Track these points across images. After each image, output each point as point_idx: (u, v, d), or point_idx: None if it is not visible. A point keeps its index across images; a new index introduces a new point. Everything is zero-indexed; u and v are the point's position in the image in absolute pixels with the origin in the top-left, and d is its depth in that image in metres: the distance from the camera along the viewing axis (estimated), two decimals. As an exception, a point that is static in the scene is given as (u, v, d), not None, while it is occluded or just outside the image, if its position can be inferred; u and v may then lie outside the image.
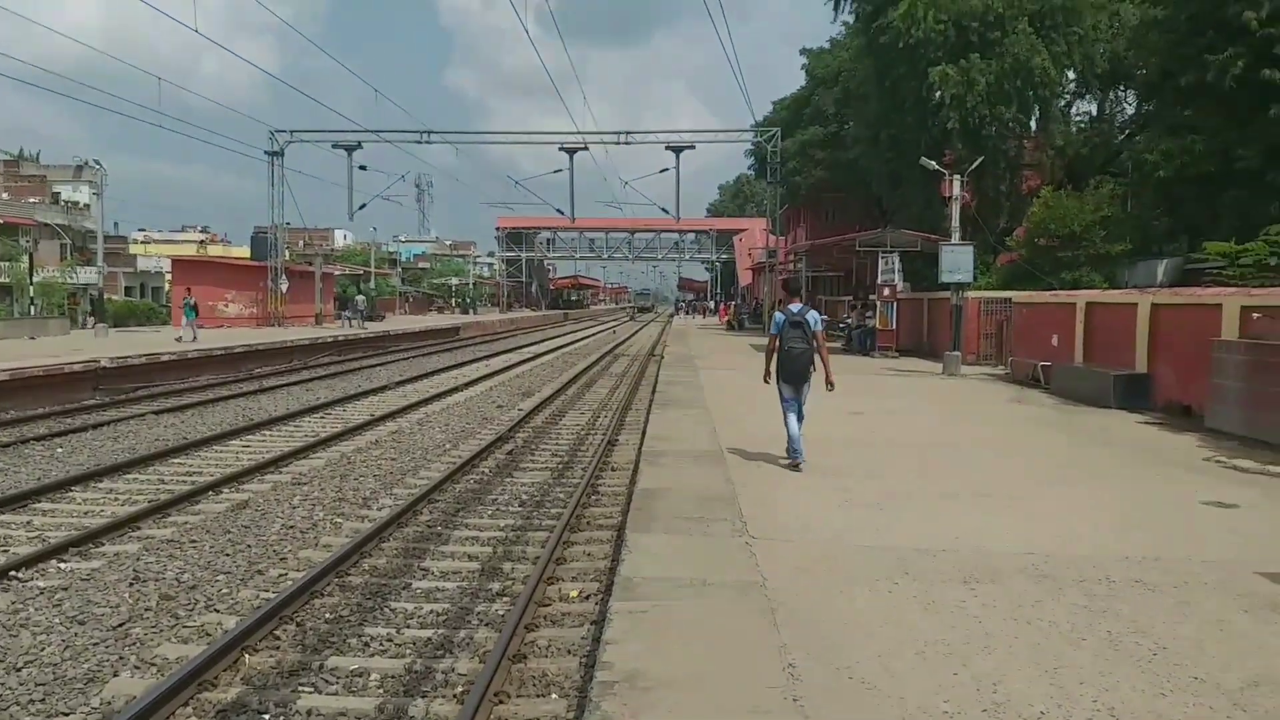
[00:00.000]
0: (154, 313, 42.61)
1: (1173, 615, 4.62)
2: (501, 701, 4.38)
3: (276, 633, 5.26)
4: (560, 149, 36.82)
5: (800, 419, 8.34)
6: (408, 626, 5.46)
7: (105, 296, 36.42)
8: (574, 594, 5.94)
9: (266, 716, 4.32)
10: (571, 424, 13.70)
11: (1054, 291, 19.36)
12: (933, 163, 21.06)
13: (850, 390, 14.35)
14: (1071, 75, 26.94)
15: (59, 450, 11.05)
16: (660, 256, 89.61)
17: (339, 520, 7.86)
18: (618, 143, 36.71)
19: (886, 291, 23.61)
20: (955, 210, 19.43)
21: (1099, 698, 3.65)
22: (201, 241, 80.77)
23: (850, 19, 31.06)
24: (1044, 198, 23.04)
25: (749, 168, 59.45)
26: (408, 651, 5.09)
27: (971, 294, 20.71)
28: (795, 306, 8.45)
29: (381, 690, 4.62)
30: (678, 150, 36.73)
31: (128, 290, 54.07)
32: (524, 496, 8.84)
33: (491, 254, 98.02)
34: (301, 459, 10.46)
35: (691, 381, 16.48)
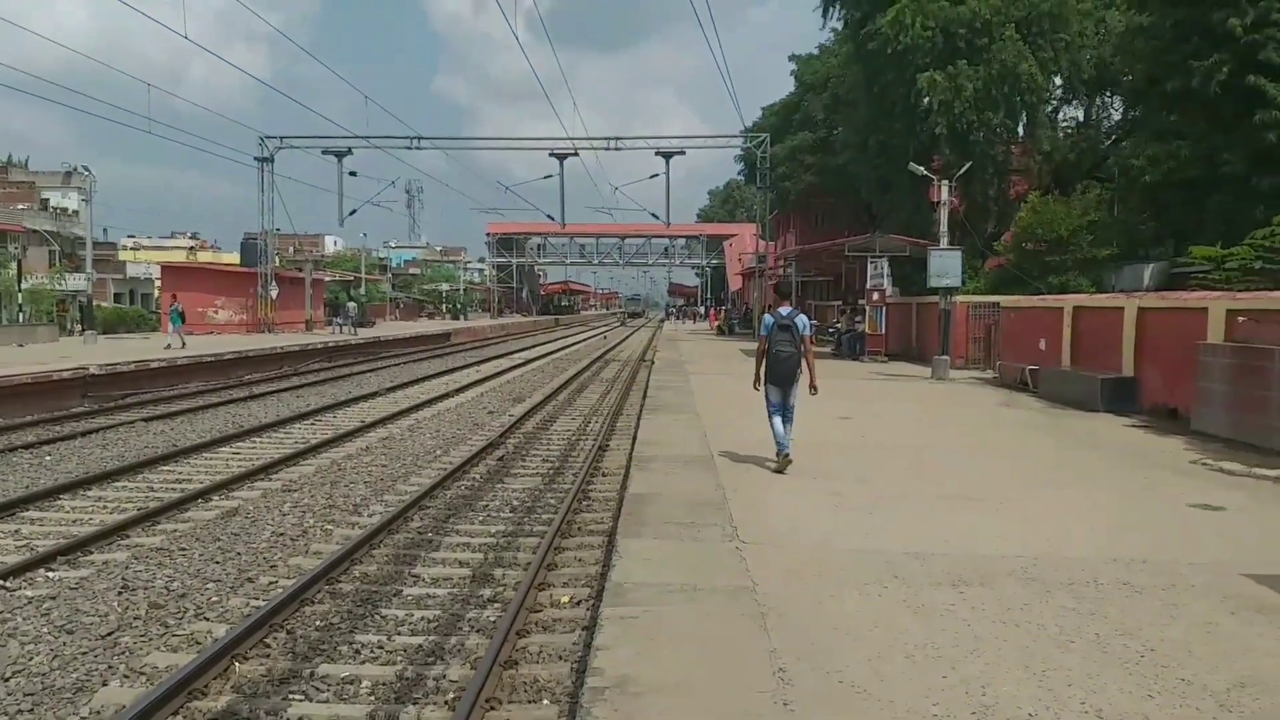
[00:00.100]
0: (144, 319, 42.41)
1: (1160, 617, 4.66)
2: (493, 708, 4.38)
3: (267, 640, 5.24)
4: (551, 154, 36.86)
5: (789, 422, 8.40)
6: (399, 633, 5.45)
7: (94, 303, 36.23)
8: (565, 600, 5.94)
9: (257, 725, 4.30)
10: (563, 429, 13.70)
11: (1041, 296, 19.49)
12: (921, 168, 21.18)
13: (839, 394, 14.43)
14: (1058, 81, 27.19)
15: (47, 458, 10.98)
16: (651, 262, 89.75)
17: (330, 527, 7.84)
18: (608, 148, 36.77)
19: (875, 296, 23.70)
20: (943, 215, 19.53)
21: (1087, 700, 3.68)
22: (191, 248, 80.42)
23: (839, 25, 31.25)
24: (1031, 203, 23.22)
25: (739, 173, 59.57)
26: (399, 658, 5.08)
27: (960, 298, 20.81)
28: (784, 310, 8.54)
29: (373, 697, 4.61)
30: (668, 156, 36.80)
31: (117, 297, 53.79)
32: (515, 502, 8.83)
33: (482, 259, 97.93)
34: (292, 466, 10.43)
35: (682, 386, 16.51)
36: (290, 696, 4.57)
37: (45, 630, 5.42)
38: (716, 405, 13.39)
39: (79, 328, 34.67)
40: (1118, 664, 4.05)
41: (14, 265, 41.35)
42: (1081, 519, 6.79)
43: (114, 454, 11.27)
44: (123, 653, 5.12)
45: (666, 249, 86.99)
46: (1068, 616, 4.64)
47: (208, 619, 5.65)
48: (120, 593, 6.08)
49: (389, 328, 47.17)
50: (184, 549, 7.08)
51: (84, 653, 5.10)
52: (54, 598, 5.95)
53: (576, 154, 36.80)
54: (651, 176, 38.39)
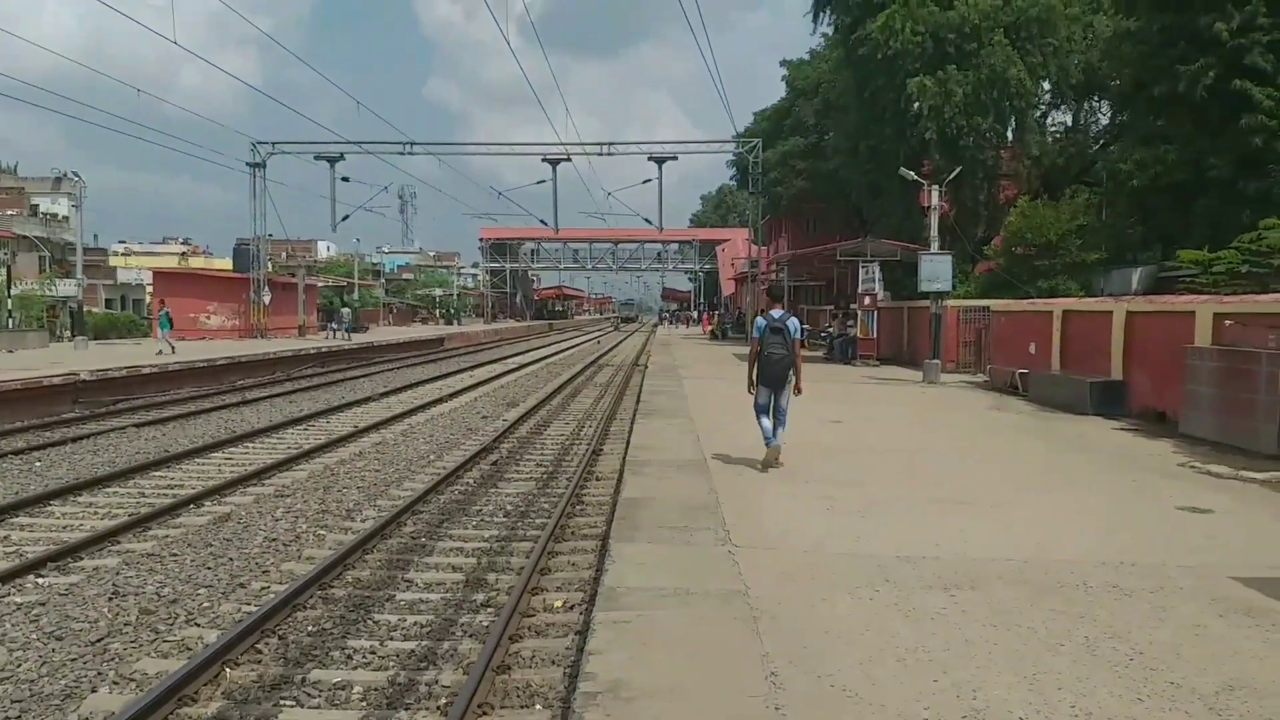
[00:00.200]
0: (135, 325, 42.20)
1: (1149, 620, 4.69)
2: (485, 713, 4.39)
3: (258, 646, 5.23)
4: (543, 160, 36.95)
5: (780, 425, 8.52)
6: (391, 639, 5.44)
7: (85, 309, 36.07)
8: (558, 604, 5.95)
9: (248, 731, 4.29)
10: (556, 434, 13.70)
11: (1031, 300, 19.60)
12: (911, 173, 21.30)
13: (832, 398, 14.48)
14: (1047, 86, 27.36)
15: (37, 464, 10.93)
16: (644, 267, 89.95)
17: (322, 532, 7.82)
18: (600, 154, 36.86)
19: (867, 300, 23.80)
20: (934, 220, 19.63)
21: (1077, 703, 3.70)
22: (183, 253, 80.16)
23: (829, 31, 31.45)
24: (1021, 207, 23.38)
25: (731, 178, 59.90)
26: (391, 663, 5.07)
27: (950, 303, 20.91)
28: (777, 313, 8.63)
29: (365, 703, 4.61)
30: (660, 161, 36.91)
31: (108, 303, 53.56)
32: (508, 507, 8.83)
33: (476, 265, 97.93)
34: (285, 471, 10.40)
35: (675, 391, 16.52)
36: (281, 702, 4.56)
37: (34, 636, 5.39)
38: (709, 410, 13.42)
39: (69, 333, 34.48)
40: (1107, 667, 4.08)
41: (3, 271, 41.11)
42: (1071, 522, 6.83)
43: (105, 459, 11.22)
44: (113, 659, 5.10)
45: (659, 254, 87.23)
46: (1058, 619, 4.67)
47: (199, 625, 5.64)
48: (111, 599, 6.05)
49: (382, 333, 47.06)
50: (175, 554, 7.06)
51: (73, 659, 5.08)
52: (44, 604, 5.93)
53: (569, 159, 36.90)
54: (644, 182, 38.55)
